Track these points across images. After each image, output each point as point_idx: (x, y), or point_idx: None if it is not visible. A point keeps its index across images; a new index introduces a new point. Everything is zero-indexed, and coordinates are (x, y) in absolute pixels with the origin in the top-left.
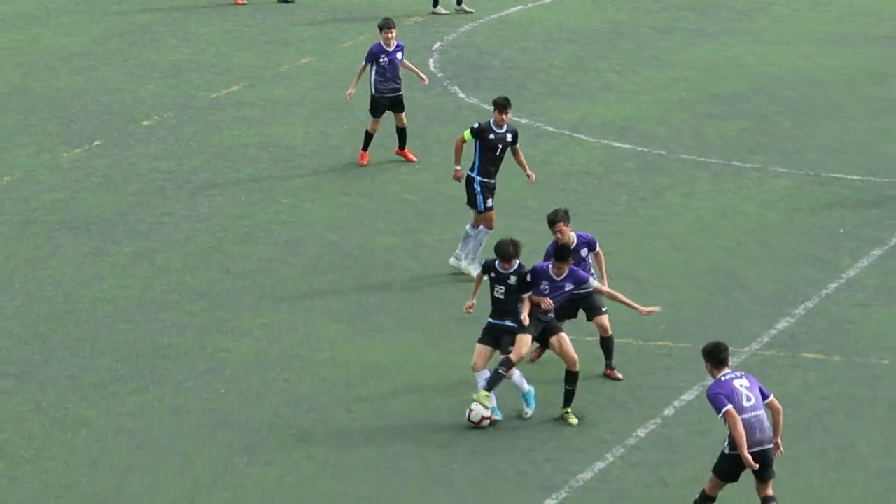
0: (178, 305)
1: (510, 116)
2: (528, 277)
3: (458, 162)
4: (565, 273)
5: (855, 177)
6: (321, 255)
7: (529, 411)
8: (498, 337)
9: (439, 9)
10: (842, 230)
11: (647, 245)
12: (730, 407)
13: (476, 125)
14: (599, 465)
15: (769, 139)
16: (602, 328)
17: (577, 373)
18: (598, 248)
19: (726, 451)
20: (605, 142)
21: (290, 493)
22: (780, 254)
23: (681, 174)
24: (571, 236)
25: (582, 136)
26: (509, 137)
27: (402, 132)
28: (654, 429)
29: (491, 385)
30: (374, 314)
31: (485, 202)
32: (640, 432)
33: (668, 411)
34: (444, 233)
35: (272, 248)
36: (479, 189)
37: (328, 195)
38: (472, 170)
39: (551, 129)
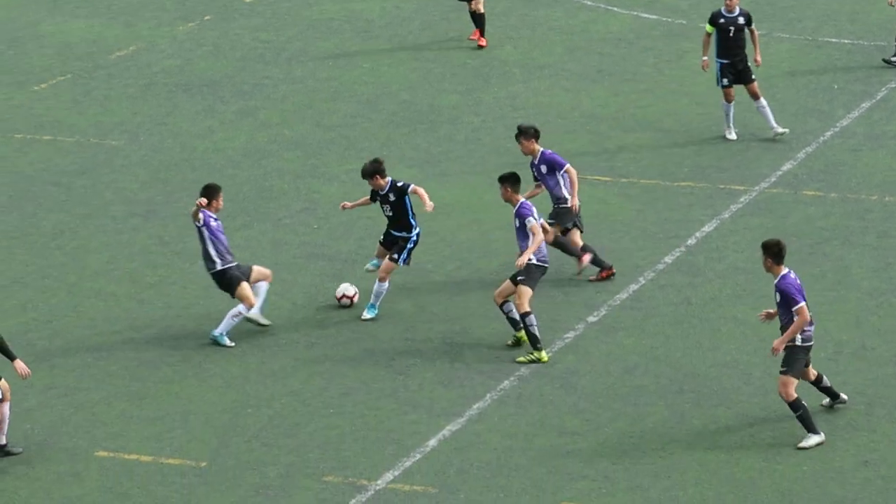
0: (277, 154)
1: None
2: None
3: (704, 53)
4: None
5: (846, 41)
6: (396, 111)
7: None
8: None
9: None
10: (835, 86)
11: (672, 101)
12: (804, 304)
13: (710, 15)
14: (633, 287)
15: (773, 10)
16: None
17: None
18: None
19: (798, 343)
20: (635, 13)
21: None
22: (785, 107)
23: (699, 40)
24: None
25: (615, 9)
26: (741, 21)
27: (477, 17)
28: (679, 256)
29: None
30: (441, 161)
31: (721, 80)
32: (668, 259)
33: (690, 241)
34: (499, 91)
35: (355, 105)
36: (717, 70)
37: (401, 60)
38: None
39: (589, 2)
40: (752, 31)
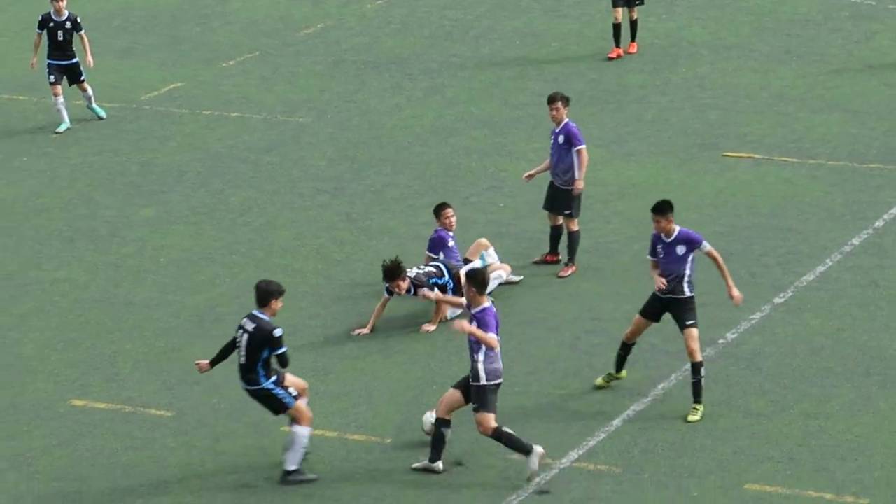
0: (464, 132)
1: None
2: None
3: None
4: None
5: None
6: (584, 90)
7: None
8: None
9: None
10: None
11: (861, 82)
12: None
13: None
14: (820, 268)
15: None
16: None
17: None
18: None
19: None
20: None
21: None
22: None
23: (890, 21)
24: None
25: None
26: None
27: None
28: (867, 238)
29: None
30: (628, 140)
31: None
32: (855, 241)
33: (878, 223)
34: (687, 72)
35: (543, 84)
36: None
37: (589, 39)
38: None
39: None
40: None
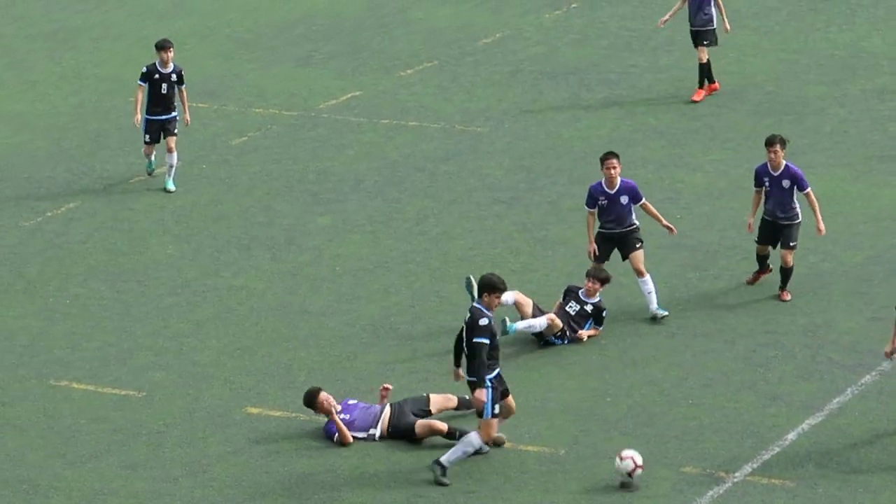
0: (642, 142)
1: None
2: None
3: None
4: None
5: None
6: (762, 101)
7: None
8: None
9: None
10: None
11: None
12: None
13: None
14: None
15: None
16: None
17: None
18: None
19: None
20: None
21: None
22: None
23: None
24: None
25: None
26: None
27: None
28: None
29: None
30: (807, 152)
31: None
32: None
33: None
34: (866, 83)
35: (720, 95)
36: None
37: (767, 51)
38: None
39: None
40: None
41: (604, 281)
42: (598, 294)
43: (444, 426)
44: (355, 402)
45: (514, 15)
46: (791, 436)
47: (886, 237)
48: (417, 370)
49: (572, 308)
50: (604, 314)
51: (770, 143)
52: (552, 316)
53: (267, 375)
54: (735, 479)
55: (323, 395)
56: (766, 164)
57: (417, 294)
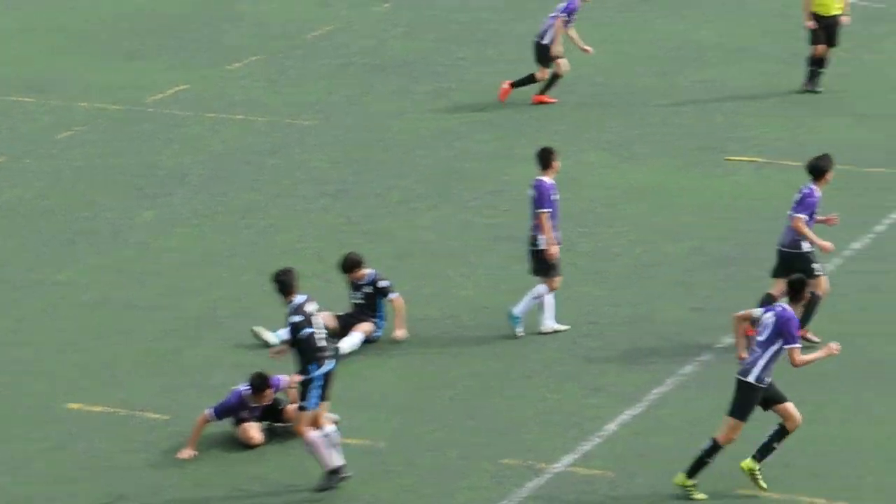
0: (468, 135)
1: None
2: None
3: None
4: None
5: None
6: (590, 93)
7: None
8: None
9: None
10: None
11: (869, 85)
12: None
13: None
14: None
15: None
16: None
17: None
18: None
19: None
20: None
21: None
22: None
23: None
24: None
25: None
26: None
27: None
28: (868, 242)
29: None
30: (633, 144)
31: None
32: (856, 245)
33: (880, 227)
34: (694, 75)
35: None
36: None
37: (596, 43)
38: None
39: None
40: None
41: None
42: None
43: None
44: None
45: (342, 8)
46: (611, 426)
47: (711, 229)
48: (243, 364)
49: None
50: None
51: None
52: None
53: (88, 371)
54: (555, 470)
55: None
56: None
57: (243, 288)
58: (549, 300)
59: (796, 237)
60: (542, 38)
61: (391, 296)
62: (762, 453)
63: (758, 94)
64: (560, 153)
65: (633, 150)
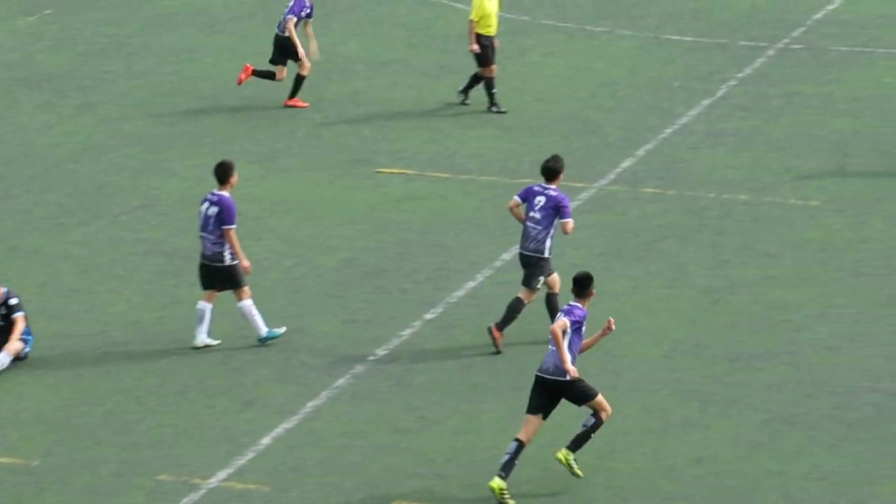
0: (117, 149)
1: None
2: None
3: None
4: None
5: (688, 38)
6: (239, 106)
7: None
8: None
9: None
10: (676, 83)
11: (515, 98)
12: None
13: None
14: (471, 284)
15: (617, 7)
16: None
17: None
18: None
19: None
20: (468, 7)
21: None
22: (626, 104)
23: (541, 36)
24: None
25: (458, 5)
26: None
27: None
28: (517, 253)
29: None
30: (281, 156)
31: None
32: (506, 256)
33: None
34: (342, 88)
35: (198, 100)
36: None
37: (245, 55)
38: None
39: None
40: None
41: None
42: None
43: None
44: None
45: None
46: (266, 440)
47: (361, 240)
48: None
49: None
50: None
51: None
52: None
53: None
54: (210, 485)
55: None
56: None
57: None
58: (208, 314)
59: (541, 241)
60: (282, 31)
61: (15, 314)
62: (577, 443)
63: (405, 107)
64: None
65: (282, 162)
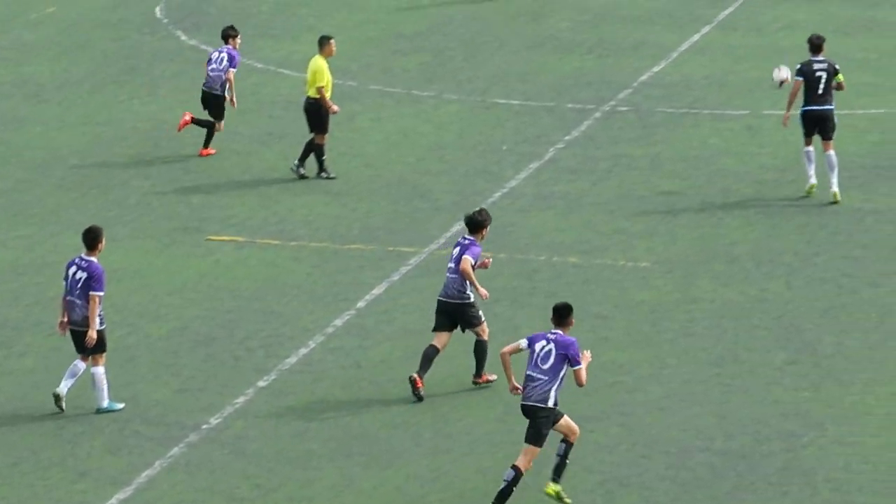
0: None
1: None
2: None
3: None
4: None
5: (516, 101)
6: (66, 175)
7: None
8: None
9: None
10: (504, 147)
11: (344, 163)
12: None
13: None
14: (303, 350)
15: (444, 71)
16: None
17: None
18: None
19: None
20: (296, 73)
21: (43, 374)
22: (455, 168)
23: (369, 102)
24: None
25: (285, 71)
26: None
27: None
28: (349, 319)
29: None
30: (112, 224)
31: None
32: (338, 322)
33: (360, 304)
34: (170, 156)
35: (25, 170)
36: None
37: (72, 125)
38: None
39: (260, 65)
40: None
41: None
42: None
43: None
44: None
45: None
46: None
47: (191, 308)
48: None
49: None
50: None
51: None
52: None
53: None
54: None
55: None
56: None
57: None
58: (80, 373)
59: (461, 287)
60: (219, 89)
61: None
62: (558, 472)
63: (234, 174)
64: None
65: (112, 231)
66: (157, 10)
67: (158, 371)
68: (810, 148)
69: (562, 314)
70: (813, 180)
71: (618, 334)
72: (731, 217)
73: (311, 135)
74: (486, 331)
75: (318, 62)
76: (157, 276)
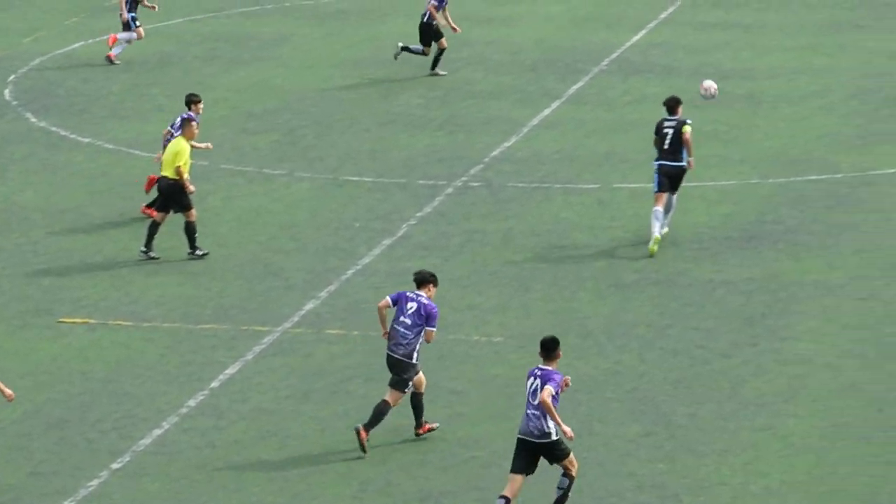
0: None
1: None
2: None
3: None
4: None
5: (367, 178)
6: None
7: None
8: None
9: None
10: (357, 224)
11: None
12: None
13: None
14: (157, 431)
15: (295, 149)
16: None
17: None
18: None
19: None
20: (146, 154)
21: None
22: (307, 246)
23: (221, 181)
24: None
25: (136, 152)
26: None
27: None
28: (203, 399)
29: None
30: None
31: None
32: (191, 402)
33: (214, 384)
34: (20, 237)
35: None
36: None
37: None
38: None
39: (110, 146)
40: None
41: None
42: None
43: None
44: None
45: None
46: None
47: (44, 392)
48: None
49: None
50: None
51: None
52: None
53: None
54: None
55: None
56: None
57: None
58: None
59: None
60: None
61: None
62: None
63: (86, 255)
64: None
65: None
66: (6, 92)
67: (10, 455)
68: (659, 208)
69: (549, 348)
70: (657, 234)
71: (472, 409)
72: (584, 291)
73: (153, 217)
74: (423, 382)
75: (180, 143)
76: (9, 360)
